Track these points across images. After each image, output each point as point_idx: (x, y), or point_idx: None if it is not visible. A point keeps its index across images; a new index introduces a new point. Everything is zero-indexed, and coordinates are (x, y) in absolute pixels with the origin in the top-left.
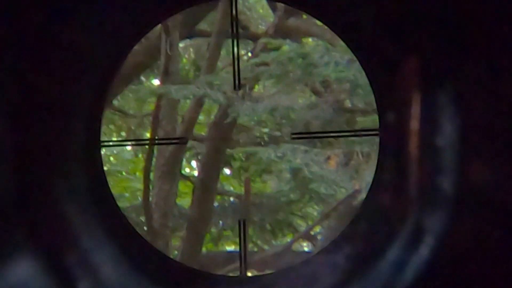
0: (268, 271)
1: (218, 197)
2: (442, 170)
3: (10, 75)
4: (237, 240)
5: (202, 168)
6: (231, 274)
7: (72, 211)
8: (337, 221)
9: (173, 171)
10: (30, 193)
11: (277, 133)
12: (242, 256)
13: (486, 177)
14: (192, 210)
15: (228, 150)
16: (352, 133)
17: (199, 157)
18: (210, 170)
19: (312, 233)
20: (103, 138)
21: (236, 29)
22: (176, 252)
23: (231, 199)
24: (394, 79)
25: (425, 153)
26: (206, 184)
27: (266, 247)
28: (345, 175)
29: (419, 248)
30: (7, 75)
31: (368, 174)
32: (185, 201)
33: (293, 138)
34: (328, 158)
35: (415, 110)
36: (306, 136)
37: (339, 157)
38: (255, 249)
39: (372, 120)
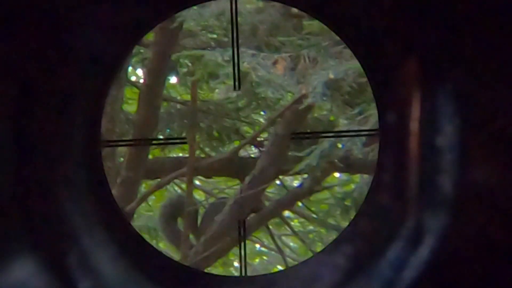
0: (214, 177)
1: (165, 103)
2: (442, 170)
3: (10, 74)
4: (184, 146)
5: (148, 73)
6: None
7: (72, 211)
8: (283, 126)
9: (119, 77)
10: (30, 193)
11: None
12: (242, 256)
13: (487, 177)
14: (138, 115)
15: (174, 55)
16: (352, 134)
17: (145, 63)
18: (156, 75)
19: (258, 139)
20: None
21: (236, 32)
22: (121, 158)
23: (178, 105)
24: (394, 79)
25: (425, 153)
26: (152, 90)
27: (213, 153)
28: (292, 79)
29: (419, 248)
30: (6, 75)
31: (314, 79)
32: (131, 107)
33: (293, 138)
34: (275, 62)
35: (415, 110)
36: (306, 136)
37: (286, 61)
38: (202, 155)
39: (318, 25)
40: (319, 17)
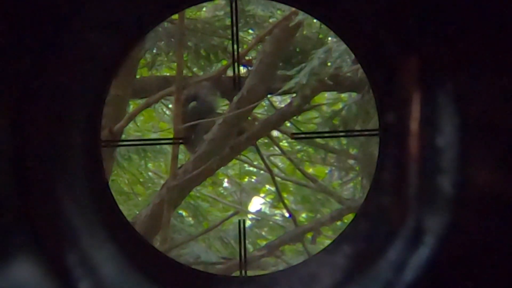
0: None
1: None
2: (442, 170)
3: (10, 74)
4: (172, 65)
5: None
6: (232, 274)
7: (72, 211)
8: (272, 45)
9: None
10: (30, 193)
11: None
12: (242, 256)
13: (487, 177)
14: None
15: None
16: (352, 134)
17: None
18: None
19: (247, 57)
20: None
21: (236, 27)
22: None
23: (165, 24)
24: (394, 79)
25: (425, 153)
26: None
27: (201, 72)
28: None
29: (419, 248)
30: (6, 74)
31: None
32: None
33: (293, 138)
34: None
35: (415, 110)
36: (306, 136)
37: None
38: (190, 74)
39: None
40: (319, 17)
